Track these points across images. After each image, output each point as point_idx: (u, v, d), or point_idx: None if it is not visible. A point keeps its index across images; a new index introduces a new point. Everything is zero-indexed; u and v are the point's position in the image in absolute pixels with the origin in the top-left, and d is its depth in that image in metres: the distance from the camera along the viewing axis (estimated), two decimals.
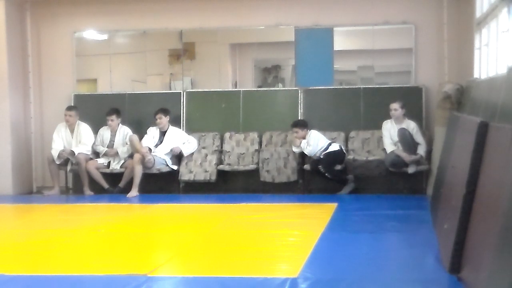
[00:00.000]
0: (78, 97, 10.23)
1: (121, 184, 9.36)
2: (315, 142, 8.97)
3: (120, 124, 9.66)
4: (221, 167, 9.40)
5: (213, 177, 9.28)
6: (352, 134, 9.38)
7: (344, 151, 9.05)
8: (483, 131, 4.23)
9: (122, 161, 9.51)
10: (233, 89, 10.21)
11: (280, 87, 10.41)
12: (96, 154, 9.66)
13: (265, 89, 10.30)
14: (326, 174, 8.86)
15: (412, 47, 9.59)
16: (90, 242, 6.14)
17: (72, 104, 10.00)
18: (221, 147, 9.71)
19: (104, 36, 10.51)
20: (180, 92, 10.06)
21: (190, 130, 9.83)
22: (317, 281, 4.41)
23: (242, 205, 8.21)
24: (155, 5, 10.12)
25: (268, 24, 9.94)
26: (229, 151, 9.64)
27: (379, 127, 9.01)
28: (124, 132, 9.61)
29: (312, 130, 9.10)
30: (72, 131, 9.66)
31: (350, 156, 8.97)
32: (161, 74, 10.54)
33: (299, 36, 9.86)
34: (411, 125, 8.81)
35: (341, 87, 9.99)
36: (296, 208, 8.10)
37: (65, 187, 9.87)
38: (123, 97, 10.13)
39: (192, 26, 10.13)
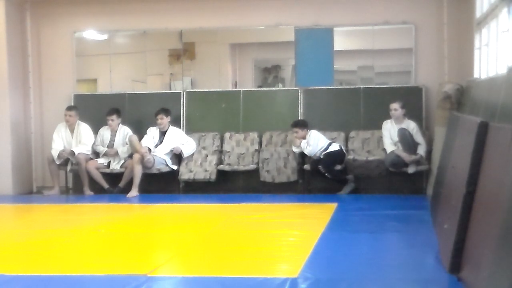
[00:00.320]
0: (78, 97, 10.23)
1: (121, 184, 9.37)
2: (315, 142, 8.97)
3: (120, 124, 9.66)
4: (221, 167, 9.40)
5: (213, 177, 9.28)
6: (352, 134, 9.38)
7: (344, 151, 9.05)
8: (483, 131, 4.23)
9: (122, 161, 9.51)
10: (233, 89, 10.21)
11: (280, 87, 10.40)
12: (96, 154, 9.66)
13: (265, 89, 10.30)
14: (326, 174, 8.86)
15: (412, 47, 9.59)
16: (90, 242, 6.14)
17: (72, 104, 10.00)
18: (221, 147, 9.71)
19: (104, 36, 10.51)
20: (180, 92, 10.06)
21: (190, 130, 9.83)
22: (317, 281, 4.41)
23: (242, 205, 8.21)
24: (155, 5, 10.12)
25: (268, 24, 9.94)
26: (229, 151, 9.64)
27: (379, 127, 9.01)
28: (124, 132, 9.61)
29: (312, 130, 9.10)
30: (72, 131, 9.66)
31: (350, 156, 8.97)
32: (161, 74, 10.54)
33: (299, 36, 9.86)
34: (411, 125, 8.81)
35: (341, 87, 9.99)
36: (296, 208, 8.10)
37: (65, 187, 9.87)
38: (123, 97, 10.13)
39: (192, 26, 10.13)
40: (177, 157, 9.49)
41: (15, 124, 9.96)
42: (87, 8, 10.29)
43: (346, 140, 9.38)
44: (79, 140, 9.60)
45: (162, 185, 9.48)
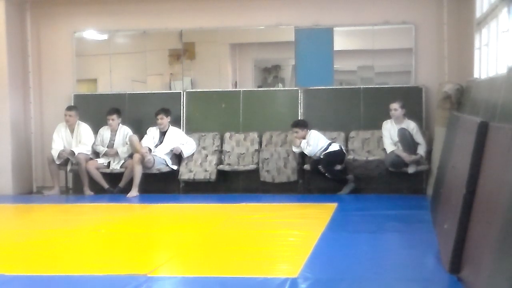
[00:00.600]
0: (78, 97, 10.23)
1: (121, 184, 9.37)
2: (315, 142, 8.97)
3: (120, 124, 9.66)
4: (221, 167, 9.40)
5: (213, 176, 9.28)
6: (352, 134, 9.38)
7: (344, 151, 9.05)
8: (483, 131, 4.23)
9: (122, 161, 9.52)
10: (233, 89, 10.21)
11: (280, 87, 10.40)
12: (96, 154, 9.66)
13: (265, 89, 10.30)
14: (326, 174, 8.86)
15: (412, 47, 9.59)
16: (90, 242, 6.15)
17: (72, 104, 10.00)
18: (221, 147, 9.71)
19: (104, 36, 10.51)
20: (180, 92, 10.06)
21: (190, 130, 9.83)
22: (317, 281, 4.41)
23: (242, 205, 8.20)
24: (155, 5, 10.12)
25: (268, 24, 9.94)
26: (229, 151, 9.64)
27: (379, 127, 9.01)
28: (124, 132, 9.61)
29: (312, 130, 9.10)
30: (72, 131, 9.66)
31: (350, 156, 8.97)
32: (161, 74, 10.54)
33: (299, 36, 9.86)
34: (411, 125, 8.81)
35: (341, 87, 9.99)
36: (296, 208, 8.10)
37: (65, 187, 9.88)
38: (123, 97, 10.13)
39: (192, 26, 10.13)
40: (177, 157, 9.50)
41: (15, 124, 9.96)
42: (87, 8, 10.29)
43: (346, 140, 9.38)
44: (79, 140, 9.60)
45: (162, 185, 9.48)
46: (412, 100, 9.25)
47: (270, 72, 10.60)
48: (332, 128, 9.43)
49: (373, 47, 9.77)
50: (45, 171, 10.04)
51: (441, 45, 9.44)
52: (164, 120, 9.46)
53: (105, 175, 9.49)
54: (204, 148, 9.68)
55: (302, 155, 9.16)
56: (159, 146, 9.41)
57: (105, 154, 9.57)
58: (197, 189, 9.39)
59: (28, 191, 10.16)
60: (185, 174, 9.39)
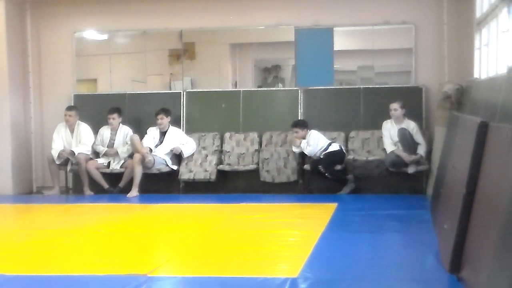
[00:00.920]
0: (78, 97, 10.23)
1: (121, 184, 9.37)
2: (315, 142, 8.98)
3: (120, 124, 9.67)
4: (221, 167, 9.40)
5: (213, 176, 9.28)
6: (352, 134, 9.38)
7: (344, 151, 9.05)
8: (483, 131, 4.23)
9: (122, 161, 9.52)
10: (233, 89, 10.21)
11: (280, 87, 10.40)
12: (96, 154, 9.66)
13: (265, 89, 10.30)
14: (326, 174, 8.86)
15: (412, 47, 9.59)
16: (90, 242, 6.14)
17: (72, 104, 10.01)
18: (221, 147, 9.71)
19: (104, 36, 10.51)
20: (180, 92, 10.06)
21: (190, 130, 9.83)
22: (317, 281, 4.40)
23: (242, 205, 8.20)
24: (155, 5, 10.12)
25: (268, 24, 9.95)
26: (229, 151, 9.64)
27: (379, 127, 9.01)
28: (125, 132, 9.61)
29: (312, 130, 9.10)
30: (72, 131, 9.66)
31: (350, 156, 8.97)
32: (161, 74, 10.54)
33: (299, 36, 9.86)
34: (411, 125, 8.81)
35: (341, 87, 9.99)
36: (296, 208, 8.10)
37: (65, 187, 9.88)
38: (123, 97, 10.13)
39: (192, 26, 10.14)
40: (177, 157, 9.50)
41: (15, 124, 9.96)
42: (87, 8, 10.29)
43: (346, 140, 9.38)
44: (79, 140, 9.60)
45: (162, 185, 9.48)
46: (412, 100, 9.25)
47: (270, 72, 10.60)
48: (332, 128, 9.43)
49: (373, 47, 9.77)
50: (45, 171, 10.04)
51: (441, 45, 9.44)
52: (164, 120, 9.46)
53: (105, 175, 9.49)
54: (204, 148, 9.68)
55: (302, 155, 9.16)
56: (159, 146, 9.41)
57: (105, 154, 9.57)
58: (197, 189, 9.39)
59: (28, 191, 10.16)
60: (185, 174, 9.39)
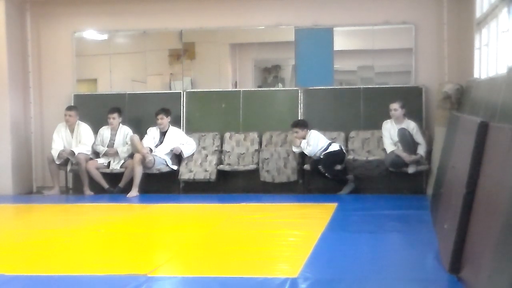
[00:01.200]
0: (78, 97, 10.23)
1: (121, 184, 9.37)
2: (315, 142, 8.97)
3: (120, 124, 9.67)
4: (221, 167, 9.40)
5: (213, 176, 9.28)
6: (352, 134, 9.38)
7: (344, 151, 9.05)
8: (483, 131, 4.23)
9: (122, 161, 9.52)
10: (233, 89, 10.21)
11: (280, 87, 10.40)
12: (96, 154, 9.66)
13: (265, 89, 10.31)
14: (326, 174, 8.86)
15: (412, 47, 9.59)
16: (90, 242, 6.15)
17: (72, 104, 10.01)
18: (221, 147, 9.71)
19: (104, 36, 10.51)
20: (180, 92, 10.06)
21: (190, 130, 9.83)
22: (317, 281, 4.41)
23: (242, 205, 8.21)
24: (155, 5, 10.12)
25: (268, 24, 9.94)
26: (229, 151, 9.64)
27: (379, 127, 9.01)
28: (125, 132, 9.61)
29: (312, 130, 9.10)
30: (72, 131, 9.66)
31: (350, 156, 8.97)
32: (161, 74, 10.55)
33: (299, 36, 9.86)
34: (411, 125, 8.81)
35: (341, 87, 9.99)
36: (296, 208, 8.10)
37: (65, 187, 9.88)
38: (123, 97, 10.13)
39: (192, 26, 10.14)
40: (177, 157, 9.50)
41: (15, 124, 9.96)
42: (87, 8, 10.29)
43: (346, 140, 9.38)
44: (79, 140, 9.60)
45: (162, 185, 9.48)
46: (412, 100, 9.25)
47: (270, 72, 10.61)
48: (332, 128, 9.43)
49: (373, 47, 9.77)
50: (45, 171, 10.04)
51: (441, 45, 9.44)
52: (164, 120, 9.46)
53: (105, 175, 9.49)
54: (204, 148, 9.68)
55: (302, 155, 9.16)
56: (159, 146, 9.41)
57: (105, 154, 9.57)
58: (197, 189, 9.39)
59: (28, 191, 10.16)
60: (185, 174, 9.39)
